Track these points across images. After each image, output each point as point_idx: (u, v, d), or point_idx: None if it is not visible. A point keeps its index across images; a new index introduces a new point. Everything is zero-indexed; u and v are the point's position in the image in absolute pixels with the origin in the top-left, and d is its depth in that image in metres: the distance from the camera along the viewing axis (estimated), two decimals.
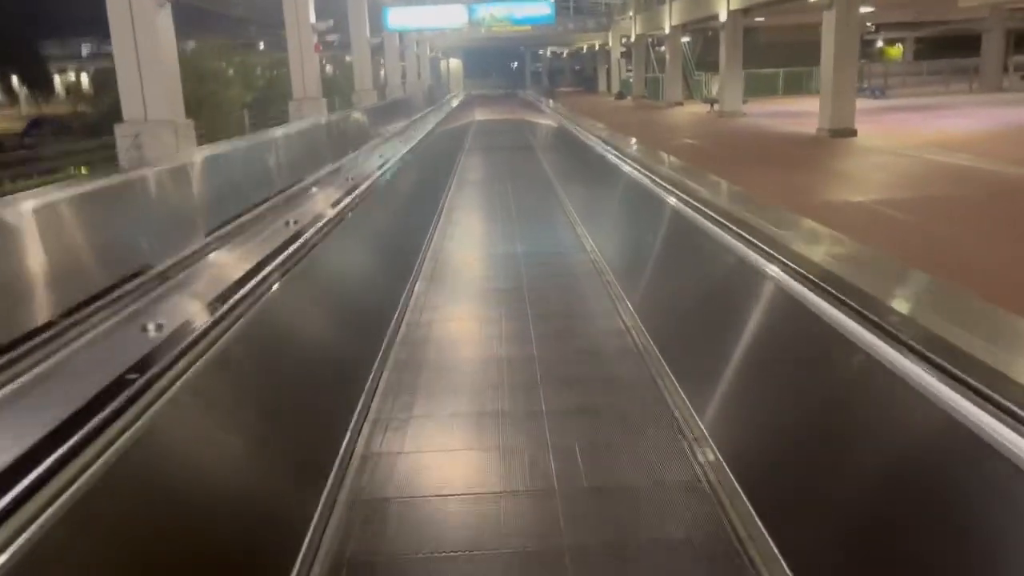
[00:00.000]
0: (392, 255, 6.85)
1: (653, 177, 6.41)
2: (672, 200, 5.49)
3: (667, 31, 30.41)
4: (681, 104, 30.91)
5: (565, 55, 64.33)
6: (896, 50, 43.73)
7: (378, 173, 7.56)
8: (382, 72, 31.27)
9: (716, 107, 25.90)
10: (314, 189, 6.82)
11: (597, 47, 51.11)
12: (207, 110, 14.83)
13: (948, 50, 39.43)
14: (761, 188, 9.33)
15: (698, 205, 4.76)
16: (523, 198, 11.11)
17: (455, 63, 59.96)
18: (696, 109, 28.49)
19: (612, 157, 8.62)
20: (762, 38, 34.22)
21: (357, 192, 6.21)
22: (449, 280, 7.00)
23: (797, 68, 36.11)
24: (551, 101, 25.58)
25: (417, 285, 6.62)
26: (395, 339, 5.16)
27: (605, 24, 35.22)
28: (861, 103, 27.54)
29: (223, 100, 15.31)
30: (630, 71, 41.71)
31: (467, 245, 8.62)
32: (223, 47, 19.19)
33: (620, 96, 39.54)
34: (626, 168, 7.64)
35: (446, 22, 25.20)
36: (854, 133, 15.92)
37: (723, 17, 23.33)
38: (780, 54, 34.62)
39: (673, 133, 19.60)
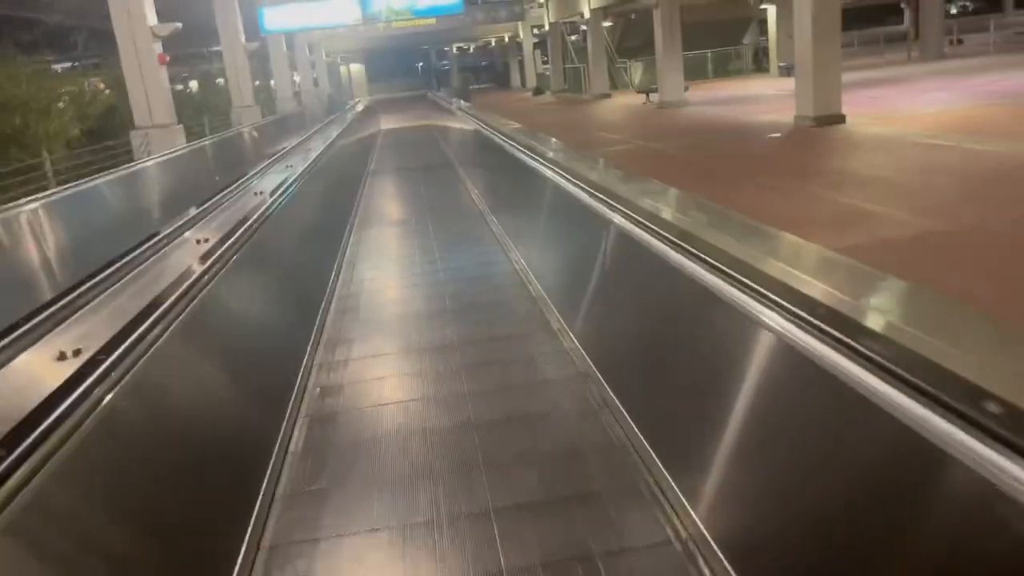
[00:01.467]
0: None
1: (633, 215, 3.70)
2: (674, 255, 3.03)
3: (587, 15, 27.44)
4: (608, 96, 28.01)
5: (472, 50, 61.03)
6: None
7: (242, 229, 4.20)
8: (273, 83, 27.39)
9: (652, 97, 23.05)
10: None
11: (507, 39, 48.10)
12: (15, 150, 11.03)
13: (866, 21, 37.84)
14: (809, 227, 6.30)
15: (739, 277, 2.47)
16: (452, 249, 7.82)
17: (356, 68, 55.94)
18: (626, 101, 25.59)
19: (560, 181, 5.49)
20: (685, 17, 31.74)
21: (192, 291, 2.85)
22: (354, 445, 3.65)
23: (725, 48, 33.85)
24: (462, 102, 22.14)
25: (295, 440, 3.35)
26: None
27: (518, 13, 32.05)
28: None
29: (37, 136, 11.48)
30: (546, 64, 38.74)
31: (378, 342, 5.24)
32: (38, 68, 15.15)
33: (538, 92, 36.45)
34: (582, 198, 4.61)
35: (336, 19, 21.53)
36: (842, 119, 13.13)
37: None
38: (705, 34, 32.08)
39: (615, 133, 16.50)
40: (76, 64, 23.77)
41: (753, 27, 36.17)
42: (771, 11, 28.70)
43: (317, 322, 5.23)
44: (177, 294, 2.99)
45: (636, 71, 34.23)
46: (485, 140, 11.18)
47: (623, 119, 20.31)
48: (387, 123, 25.39)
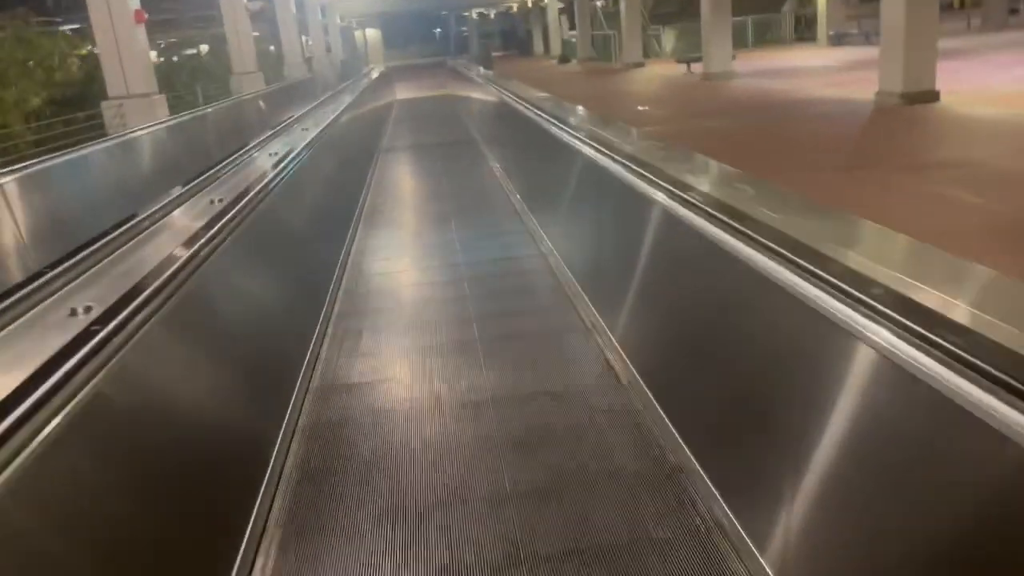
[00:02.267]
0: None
1: (738, 226, 2.56)
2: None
3: None
4: (642, 65, 25.89)
5: (493, 16, 58.58)
6: None
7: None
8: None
9: (693, 67, 20.98)
10: None
11: (530, 4, 45.82)
12: None
13: None
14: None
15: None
16: (479, 249, 6.04)
17: (373, 34, 53.73)
18: (662, 71, 23.49)
19: (619, 170, 3.85)
20: None
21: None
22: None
23: (766, 15, 31.51)
24: (482, 69, 20.07)
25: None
26: None
27: None
28: (856, 52, 23.11)
29: None
30: (572, 30, 36.52)
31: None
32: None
33: (564, 59, 34.26)
34: (654, 196, 3.51)
35: None
36: (935, 96, 11.16)
37: None
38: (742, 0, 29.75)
39: (659, 108, 14.56)
40: (57, 24, 21.62)
41: None
42: None
43: (306, 361, 3.53)
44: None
45: (669, 39, 32.04)
46: (513, 113, 9.39)
47: (665, 92, 18.30)
48: (403, 92, 23.45)
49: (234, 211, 3.66)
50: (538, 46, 45.78)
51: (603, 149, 4.53)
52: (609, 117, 6.54)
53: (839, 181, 7.06)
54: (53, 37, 14.69)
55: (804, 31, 31.01)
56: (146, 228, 3.36)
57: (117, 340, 2.09)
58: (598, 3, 34.78)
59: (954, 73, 14.36)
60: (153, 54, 33.05)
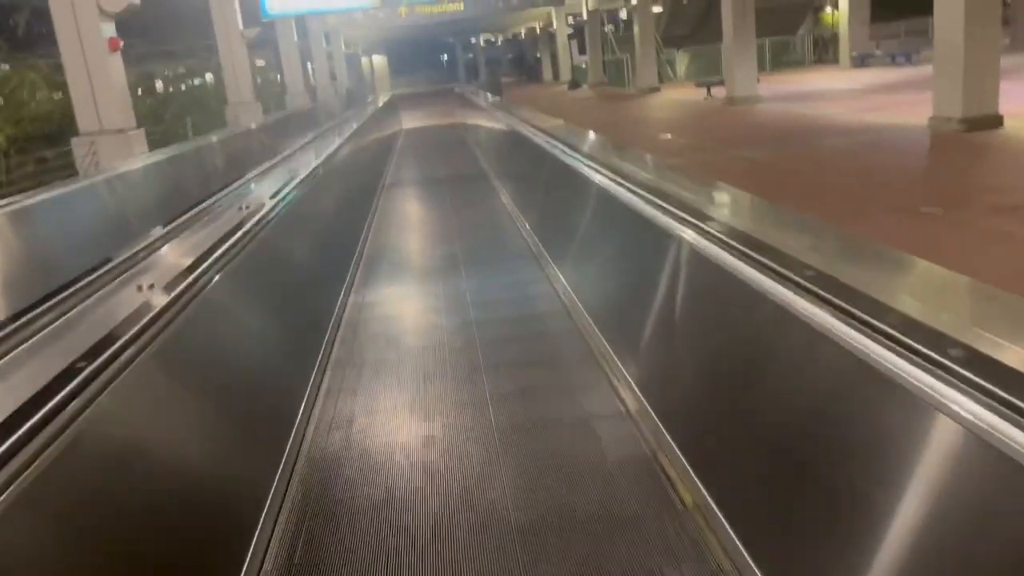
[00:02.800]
0: None
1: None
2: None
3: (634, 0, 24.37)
4: (657, 90, 24.89)
5: (500, 43, 57.99)
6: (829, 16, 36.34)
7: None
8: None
9: (714, 91, 19.93)
10: None
11: (538, 30, 45.15)
12: None
13: (904, 10, 33.21)
14: None
15: None
16: (496, 310, 4.86)
17: (379, 61, 53.14)
18: (678, 95, 22.46)
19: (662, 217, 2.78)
20: None
21: None
22: None
23: (781, 37, 30.51)
24: (488, 95, 18.97)
25: None
26: None
27: None
28: (884, 74, 21.97)
29: None
30: (582, 55, 35.67)
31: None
32: None
33: (574, 85, 33.32)
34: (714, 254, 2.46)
35: (351, 1, 18.54)
36: (1000, 121, 10.03)
37: None
38: (759, 22, 28.80)
39: (684, 136, 13.46)
40: (29, 55, 20.33)
41: (808, 16, 32.97)
42: None
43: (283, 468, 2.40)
44: None
45: (682, 62, 31.09)
46: (529, 146, 8.33)
47: (687, 118, 17.21)
48: (409, 121, 22.46)
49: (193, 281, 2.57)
50: (547, 72, 45.02)
51: (649, 196, 3.48)
52: (638, 152, 5.43)
53: (939, 228, 5.89)
54: (20, 70, 13.69)
55: (823, 53, 30.03)
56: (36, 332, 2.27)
57: None
58: (607, 28, 33.95)
59: (1003, 94, 13.26)
60: (159, 84, 32.42)
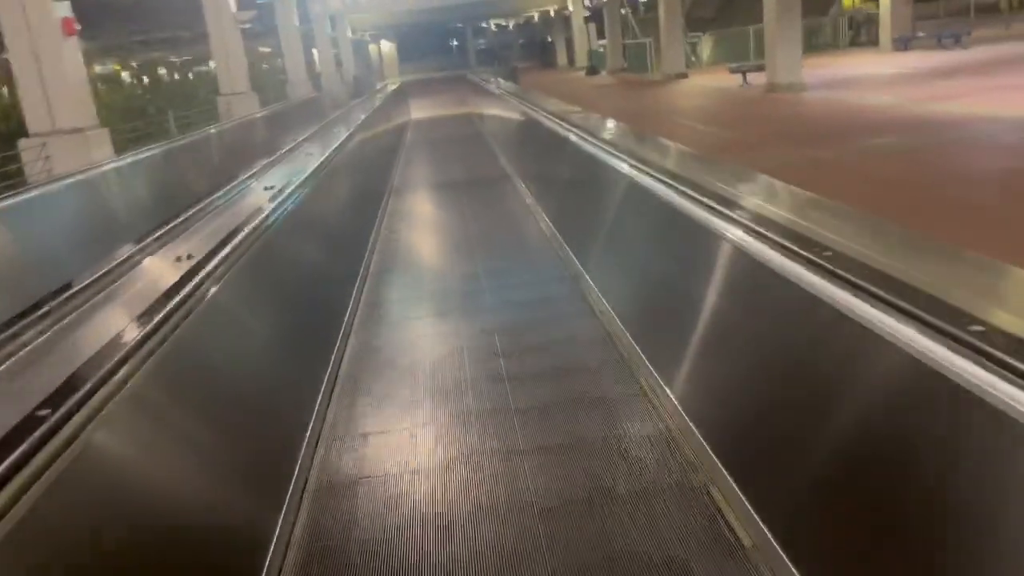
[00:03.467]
0: None
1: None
2: None
3: None
4: (685, 76, 23.24)
5: (512, 27, 56.25)
6: None
7: None
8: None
9: (750, 78, 18.30)
10: None
11: (552, 13, 43.50)
12: None
13: None
14: None
15: None
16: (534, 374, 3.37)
17: (388, 47, 51.56)
18: (707, 81, 20.84)
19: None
20: None
21: None
22: None
23: (810, 18, 28.69)
24: (502, 82, 17.34)
25: None
26: None
27: None
28: (932, 57, 20.16)
29: None
30: (601, 39, 33.99)
31: None
32: None
33: (592, 71, 31.65)
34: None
35: None
36: None
37: None
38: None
39: (728, 129, 11.88)
40: None
41: None
42: None
43: None
44: None
45: (707, 46, 29.40)
46: (551, 138, 6.84)
47: (726, 108, 15.58)
48: (418, 111, 20.92)
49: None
50: (561, 58, 43.39)
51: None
52: (736, 166, 3.95)
53: None
54: None
55: (860, 34, 28.25)
56: None
57: None
58: (624, 10, 32.24)
59: None
60: (163, 71, 30.90)
